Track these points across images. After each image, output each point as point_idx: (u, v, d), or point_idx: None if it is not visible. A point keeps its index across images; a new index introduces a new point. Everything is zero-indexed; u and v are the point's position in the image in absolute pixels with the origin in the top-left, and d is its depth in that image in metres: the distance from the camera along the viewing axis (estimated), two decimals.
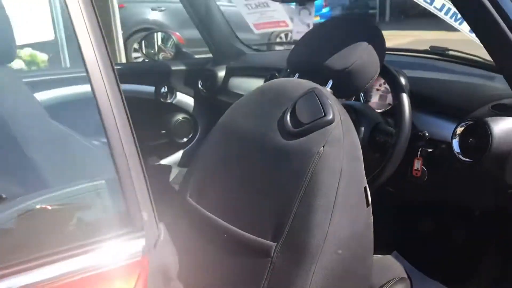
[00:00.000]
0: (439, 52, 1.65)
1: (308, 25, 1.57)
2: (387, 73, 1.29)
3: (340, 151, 0.96)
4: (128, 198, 0.67)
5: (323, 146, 0.95)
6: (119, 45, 4.41)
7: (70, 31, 0.65)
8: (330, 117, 0.97)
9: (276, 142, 1.00)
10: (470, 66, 1.58)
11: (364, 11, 13.40)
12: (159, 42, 2.27)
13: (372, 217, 1.01)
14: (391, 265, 1.24)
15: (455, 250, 1.58)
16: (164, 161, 2.16)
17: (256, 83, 1.64)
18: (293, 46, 1.32)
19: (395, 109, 1.30)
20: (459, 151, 1.21)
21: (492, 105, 1.22)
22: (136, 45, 6.50)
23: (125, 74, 2.05)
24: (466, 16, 1.13)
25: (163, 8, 8.65)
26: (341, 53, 1.14)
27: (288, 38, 5.99)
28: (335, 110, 0.99)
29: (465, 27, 1.45)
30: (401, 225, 1.65)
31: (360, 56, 1.13)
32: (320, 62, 1.15)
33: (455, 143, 1.21)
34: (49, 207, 0.78)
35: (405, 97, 1.26)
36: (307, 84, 1.07)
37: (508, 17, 1.02)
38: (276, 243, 0.92)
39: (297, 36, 1.58)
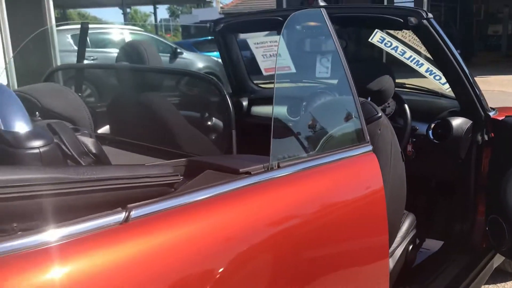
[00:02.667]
0: (402, 85, 2.64)
1: (328, 69, 2.45)
2: (396, 95, 2.21)
3: (388, 131, 1.82)
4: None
5: (379, 129, 1.80)
6: None
7: None
8: (380, 114, 1.84)
9: None
10: (421, 92, 2.58)
11: None
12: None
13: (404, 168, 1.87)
14: None
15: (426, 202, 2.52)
16: None
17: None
18: None
19: (401, 114, 2.20)
20: (432, 137, 2.15)
21: (448, 111, 2.19)
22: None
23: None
24: (436, 60, 2.09)
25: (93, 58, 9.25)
26: (376, 81, 2.03)
27: None
28: (379, 111, 1.86)
29: (423, 69, 2.43)
30: None
31: (386, 82, 2.03)
32: (364, 86, 2.03)
33: (430, 133, 2.15)
34: None
35: (407, 108, 2.17)
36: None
37: (460, 62, 1.99)
38: None
39: (320, 75, 2.45)
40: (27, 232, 0.73)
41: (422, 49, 2.38)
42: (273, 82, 4.22)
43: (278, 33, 2.96)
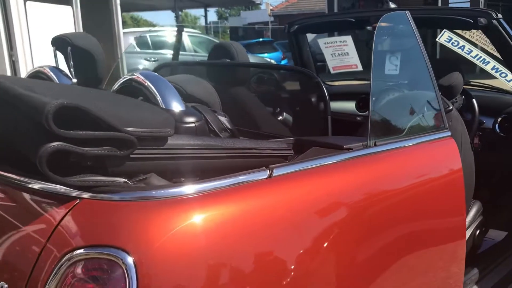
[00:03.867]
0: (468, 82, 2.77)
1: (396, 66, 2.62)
2: (464, 90, 2.36)
3: (458, 123, 1.98)
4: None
5: (450, 121, 1.97)
6: None
7: None
8: (451, 107, 2.00)
9: None
10: (486, 89, 2.71)
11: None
12: None
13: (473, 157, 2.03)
14: None
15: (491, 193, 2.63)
16: None
17: (347, 104, 2.67)
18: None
19: (469, 109, 2.35)
20: (498, 131, 2.29)
21: None
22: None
23: None
24: (504, 58, 2.23)
25: (154, 59, 9.69)
26: (447, 77, 2.19)
27: None
28: (450, 104, 2.02)
29: (489, 67, 2.57)
30: None
31: (456, 79, 2.19)
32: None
33: (497, 126, 2.30)
34: None
35: (475, 103, 2.32)
36: None
37: None
38: None
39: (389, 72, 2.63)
40: (203, 180, 0.97)
41: (489, 48, 2.53)
42: (339, 80, 4.41)
43: (349, 33, 3.16)
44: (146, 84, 1.24)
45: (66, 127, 0.85)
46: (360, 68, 3.13)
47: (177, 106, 1.20)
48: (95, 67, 1.73)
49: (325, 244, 1.06)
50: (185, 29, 10.62)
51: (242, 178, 1.01)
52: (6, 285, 0.89)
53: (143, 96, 1.26)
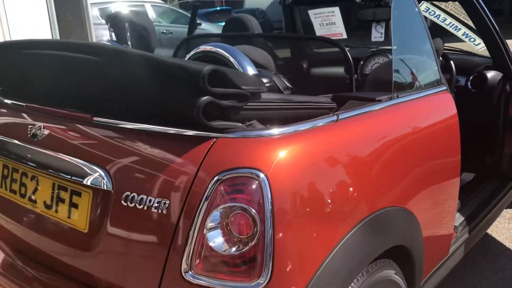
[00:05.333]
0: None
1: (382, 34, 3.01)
2: (444, 53, 2.78)
3: None
4: None
5: None
6: None
7: None
8: None
9: None
10: (458, 52, 3.17)
11: None
12: None
13: None
14: None
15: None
16: None
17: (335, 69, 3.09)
18: None
19: (447, 69, 2.78)
20: (471, 87, 2.75)
21: (483, 66, 2.79)
22: None
23: None
24: (477, 25, 2.67)
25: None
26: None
27: None
28: None
29: (460, 33, 3.01)
30: None
31: (438, 44, 2.61)
32: None
33: (469, 84, 2.75)
34: None
35: (453, 64, 2.75)
36: None
37: (495, 27, 2.57)
38: None
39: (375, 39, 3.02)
40: (294, 124, 1.33)
41: (461, 17, 2.97)
42: (326, 47, 4.73)
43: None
44: (223, 54, 1.56)
45: (210, 86, 1.18)
46: (345, 36, 3.51)
47: (251, 71, 1.54)
48: (149, 40, 2.02)
49: (380, 162, 1.48)
50: (148, 0, 10.60)
51: (319, 121, 1.38)
52: (167, 201, 1.22)
53: (219, 64, 1.59)
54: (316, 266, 1.25)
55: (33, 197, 1.56)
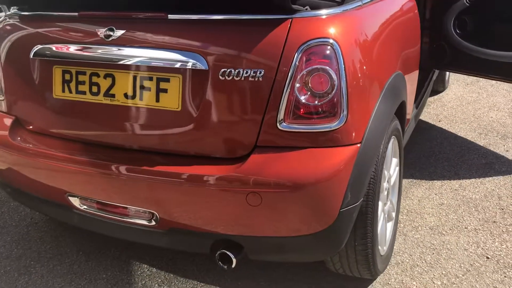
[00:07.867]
0: None
1: None
2: None
3: None
4: None
5: None
6: None
7: None
8: None
9: None
10: None
11: None
12: None
13: None
14: None
15: None
16: None
17: None
18: None
19: None
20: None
21: None
22: None
23: None
24: None
25: None
26: None
27: None
28: None
29: None
30: None
31: None
32: None
33: None
34: None
35: None
36: None
37: None
38: None
39: None
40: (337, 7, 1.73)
41: None
42: None
43: None
44: None
45: None
46: None
47: None
48: None
49: (391, 36, 2.00)
50: None
51: (354, 4, 1.80)
52: (263, 70, 1.56)
53: None
54: (371, 110, 1.72)
55: (110, 92, 1.77)
